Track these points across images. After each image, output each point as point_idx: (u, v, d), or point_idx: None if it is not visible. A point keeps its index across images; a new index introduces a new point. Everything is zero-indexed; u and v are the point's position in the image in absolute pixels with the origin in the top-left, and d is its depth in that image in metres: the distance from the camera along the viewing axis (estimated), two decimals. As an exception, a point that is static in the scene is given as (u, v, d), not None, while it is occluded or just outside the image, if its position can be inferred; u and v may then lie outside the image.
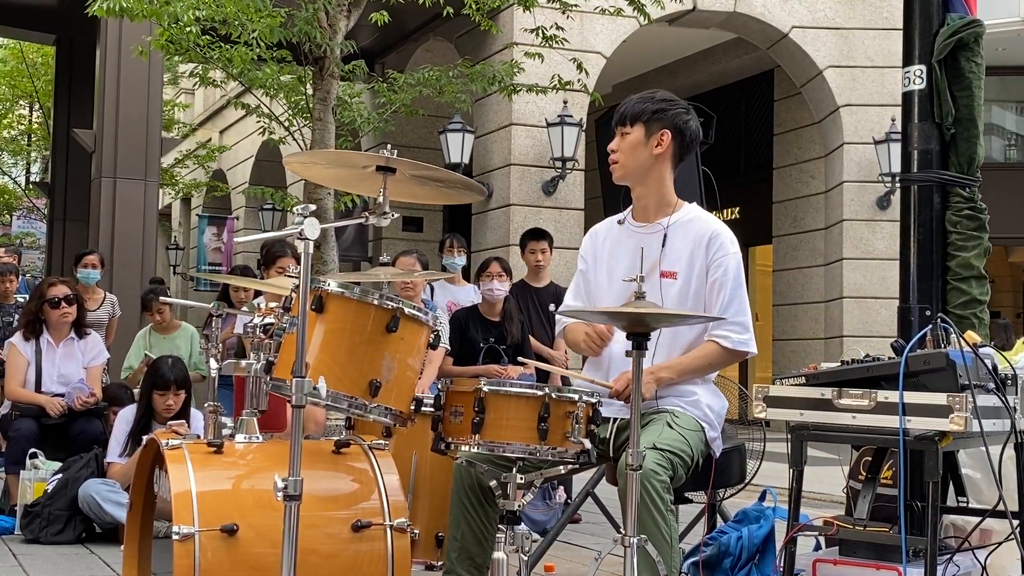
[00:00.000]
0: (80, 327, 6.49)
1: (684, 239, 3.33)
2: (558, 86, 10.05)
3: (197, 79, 9.95)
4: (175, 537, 2.75)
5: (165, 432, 3.17)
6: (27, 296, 7.61)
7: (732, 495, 4.84)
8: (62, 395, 6.25)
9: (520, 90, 10.14)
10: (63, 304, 6.35)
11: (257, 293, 6.44)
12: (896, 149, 12.12)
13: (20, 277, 8.54)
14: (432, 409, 3.03)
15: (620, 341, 3.32)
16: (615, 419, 3.26)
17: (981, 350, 3.17)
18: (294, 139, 9.83)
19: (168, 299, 6.98)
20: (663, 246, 3.33)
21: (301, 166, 3.41)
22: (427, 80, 9.66)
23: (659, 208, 3.39)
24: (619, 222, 3.48)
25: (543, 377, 6.52)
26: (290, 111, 9.89)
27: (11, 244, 14.41)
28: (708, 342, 3.29)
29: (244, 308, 5.16)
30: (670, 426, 3.16)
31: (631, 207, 3.48)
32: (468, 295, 6.88)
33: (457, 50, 13.55)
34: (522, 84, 10.07)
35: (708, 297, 3.30)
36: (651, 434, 3.10)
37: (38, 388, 6.29)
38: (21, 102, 25.63)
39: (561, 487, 6.41)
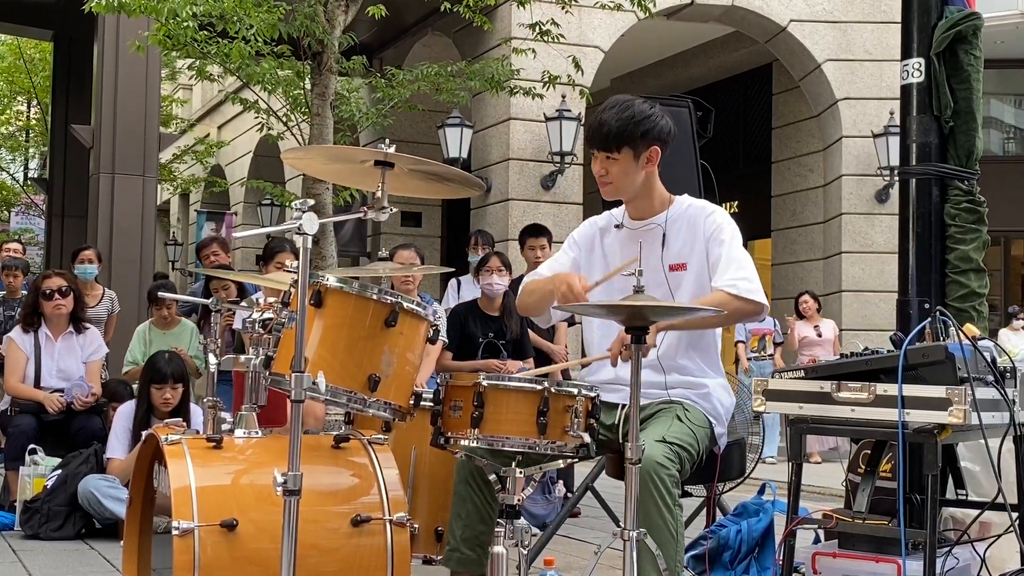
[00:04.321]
0: (78, 321, 6.49)
1: (685, 228, 3.32)
2: (548, 81, 10.05)
3: (195, 73, 9.94)
4: (175, 532, 2.75)
5: (164, 427, 3.17)
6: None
7: (731, 489, 4.84)
8: (61, 390, 6.25)
9: (516, 92, 10.15)
10: (56, 296, 6.35)
11: (240, 291, 6.48)
12: (895, 142, 12.11)
13: (27, 273, 8.53)
14: (431, 403, 3.03)
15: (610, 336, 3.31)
16: (623, 405, 3.24)
17: (980, 343, 3.17)
18: (292, 134, 9.82)
19: (169, 295, 6.98)
20: (663, 243, 3.33)
21: (299, 160, 3.41)
22: (425, 76, 9.65)
23: (653, 207, 3.39)
24: (616, 226, 3.45)
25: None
26: (288, 106, 9.88)
27: (14, 239, 14.36)
28: (716, 291, 3.19)
29: (243, 304, 5.16)
30: (679, 419, 3.14)
31: (624, 207, 3.47)
32: None
33: (455, 45, 13.53)
34: (518, 85, 10.08)
35: (710, 270, 3.26)
36: (660, 426, 3.09)
37: (37, 383, 6.30)
38: (19, 98, 25.63)
39: (561, 481, 6.43)
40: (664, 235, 3.33)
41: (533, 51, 9.91)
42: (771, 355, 11.27)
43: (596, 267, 3.43)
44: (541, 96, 10.35)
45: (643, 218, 3.39)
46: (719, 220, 3.30)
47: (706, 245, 3.28)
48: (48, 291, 6.35)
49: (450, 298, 6.79)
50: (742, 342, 11.48)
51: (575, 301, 3.07)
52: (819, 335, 11.37)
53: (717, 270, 3.23)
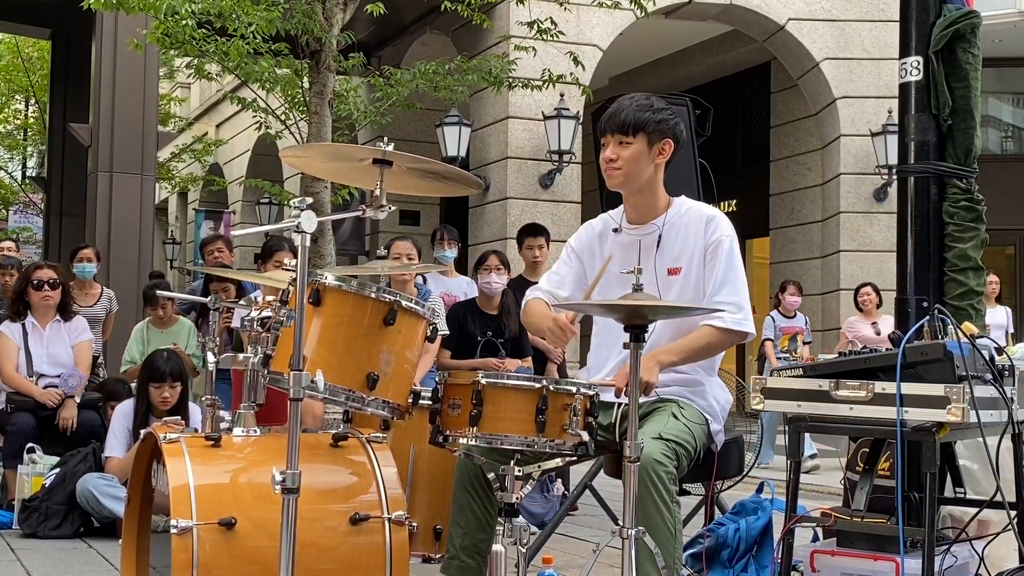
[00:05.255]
0: (65, 311, 6.51)
1: (683, 232, 3.33)
2: (550, 79, 10.06)
3: (193, 71, 9.93)
4: (173, 531, 2.75)
5: (163, 426, 3.17)
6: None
7: (730, 487, 4.85)
8: (56, 376, 6.29)
9: (516, 85, 10.14)
10: (45, 287, 6.37)
11: (239, 290, 6.48)
12: (893, 141, 12.11)
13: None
14: (430, 402, 3.03)
15: (609, 345, 3.32)
16: (619, 404, 3.25)
17: (979, 341, 3.17)
18: (291, 133, 9.81)
19: (167, 294, 6.98)
20: (658, 246, 3.33)
21: (298, 159, 3.40)
22: (424, 74, 9.65)
23: (653, 210, 3.40)
24: (615, 230, 3.46)
25: (541, 370, 6.54)
26: (287, 105, 9.88)
27: (11, 237, 14.38)
28: (703, 326, 3.26)
29: (242, 302, 5.16)
30: (676, 416, 3.15)
31: (622, 210, 3.47)
32: (460, 286, 6.90)
33: (453, 44, 13.52)
34: (516, 79, 10.08)
35: (705, 282, 3.30)
36: (657, 424, 3.10)
37: (29, 371, 6.31)
38: (17, 96, 25.58)
39: (559, 479, 6.42)
40: (660, 237, 3.34)
41: (533, 49, 9.90)
42: (800, 355, 10.64)
43: (595, 273, 3.43)
44: (539, 88, 10.35)
45: (642, 221, 3.40)
46: (720, 230, 3.32)
47: (704, 254, 3.30)
48: (37, 281, 6.38)
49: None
50: (770, 340, 10.53)
51: (565, 336, 3.22)
52: (877, 332, 10.33)
53: (712, 287, 3.28)
